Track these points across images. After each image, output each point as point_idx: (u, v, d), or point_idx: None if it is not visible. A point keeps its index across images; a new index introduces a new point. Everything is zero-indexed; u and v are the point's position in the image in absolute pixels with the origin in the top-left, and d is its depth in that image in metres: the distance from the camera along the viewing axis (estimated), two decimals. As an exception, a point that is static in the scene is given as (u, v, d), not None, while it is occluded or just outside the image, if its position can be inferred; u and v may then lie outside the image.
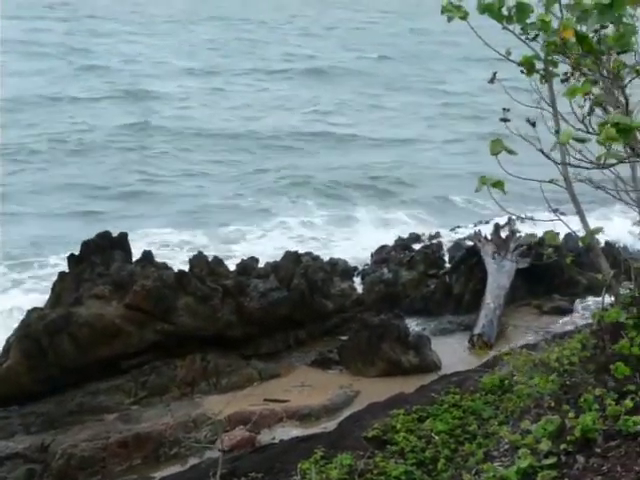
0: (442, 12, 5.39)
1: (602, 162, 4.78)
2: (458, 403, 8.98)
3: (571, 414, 5.28)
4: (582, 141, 4.87)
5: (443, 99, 49.78)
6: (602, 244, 19.97)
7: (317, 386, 15.85)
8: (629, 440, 4.76)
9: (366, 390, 15.25)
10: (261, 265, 19.24)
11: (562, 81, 5.55)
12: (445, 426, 8.34)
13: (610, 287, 6.59)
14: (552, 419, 5.38)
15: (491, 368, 10.74)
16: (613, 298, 6.65)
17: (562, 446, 5.03)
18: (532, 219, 22.80)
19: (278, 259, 19.17)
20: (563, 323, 18.63)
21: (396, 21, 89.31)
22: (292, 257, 19.04)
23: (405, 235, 24.62)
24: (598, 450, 4.87)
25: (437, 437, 8.14)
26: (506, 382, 8.67)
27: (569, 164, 5.48)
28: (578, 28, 4.88)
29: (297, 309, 17.97)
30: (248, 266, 19.14)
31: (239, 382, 15.93)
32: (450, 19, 5.52)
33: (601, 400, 5.24)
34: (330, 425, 12.43)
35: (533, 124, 5.52)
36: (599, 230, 7.05)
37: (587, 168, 5.30)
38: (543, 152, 5.32)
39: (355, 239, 25.57)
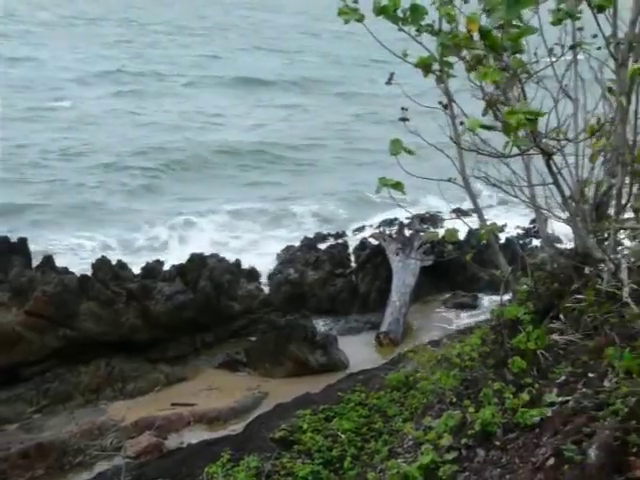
0: (338, 14, 5.45)
1: (508, 151, 4.92)
2: (364, 401, 9.07)
3: (472, 409, 5.39)
4: (489, 128, 4.98)
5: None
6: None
7: (225, 389, 15.78)
8: (526, 432, 4.89)
9: (274, 391, 15.25)
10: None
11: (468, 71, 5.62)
12: (351, 424, 8.41)
13: (508, 283, 6.76)
14: (453, 414, 5.48)
15: (396, 365, 10.88)
16: (511, 294, 6.83)
17: (463, 440, 5.14)
18: (435, 216, 23.39)
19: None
20: (467, 319, 19.02)
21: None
22: (198, 259, 18.92)
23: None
24: (497, 443, 4.99)
25: (343, 436, 8.20)
26: (411, 379, 8.80)
27: (477, 151, 5.58)
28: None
29: (203, 312, 17.87)
30: (153, 269, 18.95)
31: (145, 387, 15.72)
32: (347, 21, 5.58)
33: (500, 394, 5.36)
34: (238, 428, 12.38)
35: (445, 106, 5.61)
36: (497, 228, 7.22)
37: (495, 156, 5.42)
38: (452, 139, 5.44)
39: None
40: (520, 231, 23.91)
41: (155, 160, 34.37)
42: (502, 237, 21.73)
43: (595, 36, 5.45)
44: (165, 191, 31.26)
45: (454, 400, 5.96)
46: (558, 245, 7.35)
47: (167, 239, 25.00)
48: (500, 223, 22.75)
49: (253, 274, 21.26)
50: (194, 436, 13.42)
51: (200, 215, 27.45)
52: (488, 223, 6.67)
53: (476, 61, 5.03)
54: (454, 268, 20.49)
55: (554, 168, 5.43)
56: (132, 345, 16.78)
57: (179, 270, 18.59)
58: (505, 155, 5.09)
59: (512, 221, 24.07)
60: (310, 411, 9.22)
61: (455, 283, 20.86)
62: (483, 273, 20.09)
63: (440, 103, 5.58)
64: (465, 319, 19.09)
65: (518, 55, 5.23)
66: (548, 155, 5.20)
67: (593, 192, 6.21)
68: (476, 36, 4.90)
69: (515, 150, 5.08)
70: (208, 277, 18.28)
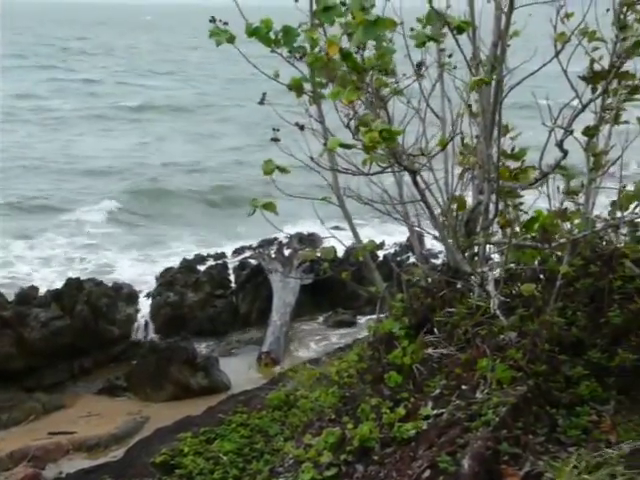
0: (210, 37, 5.45)
1: (368, 169, 5.01)
2: (246, 422, 9.01)
3: (350, 425, 5.43)
4: (349, 147, 5.07)
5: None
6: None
7: (105, 415, 15.40)
8: (403, 446, 4.96)
9: (156, 415, 14.98)
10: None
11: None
12: (233, 446, 8.34)
13: (384, 300, 6.87)
14: (333, 431, 5.51)
15: (277, 384, 10.87)
16: (387, 310, 6.93)
17: (342, 457, 5.17)
18: (314, 235, 23.53)
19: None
20: (347, 336, 19.18)
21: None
22: (74, 284, 18.47)
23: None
24: (376, 458, 5.04)
25: (225, 457, 8.13)
26: (291, 398, 8.81)
27: (337, 170, 5.66)
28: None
29: (81, 337, 17.44)
30: (28, 295, 18.40)
31: (21, 417, 15.15)
32: (219, 43, 5.59)
33: (378, 409, 5.42)
34: (119, 454, 12.09)
35: (302, 127, 5.67)
36: (374, 245, 7.34)
37: (354, 174, 5.51)
38: (312, 159, 5.49)
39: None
40: (398, 248, 24.31)
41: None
42: (381, 254, 22.17)
43: (450, 56, 5.64)
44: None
45: (333, 417, 5.99)
46: (433, 261, 7.51)
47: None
48: (380, 240, 23.03)
49: (132, 297, 20.89)
50: (73, 465, 13.02)
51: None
52: (369, 240, 6.77)
53: (342, 83, 5.11)
54: (334, 286, 20.65)
55: (421, 185, 5.56)
56: (7, 374, 16.19)
57: (55, 295, 18.11)
58: (365, 173, 5.19)
59: (392, 238, 24.45)
60: (191, 434, 9.10)
61: (335, 301, 21.02)
62: (362, 291, 20.33)
63: (296, 124, 5.63)
64: (345, 336, 19.26)
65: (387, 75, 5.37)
66: (413, 172, 5.33)
67: (464, 208, 6.39)
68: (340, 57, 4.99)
69: (379, 168, 5.19)
70: (85, 301, 17.87)
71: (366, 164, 5.05)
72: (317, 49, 5.57)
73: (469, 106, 5.68)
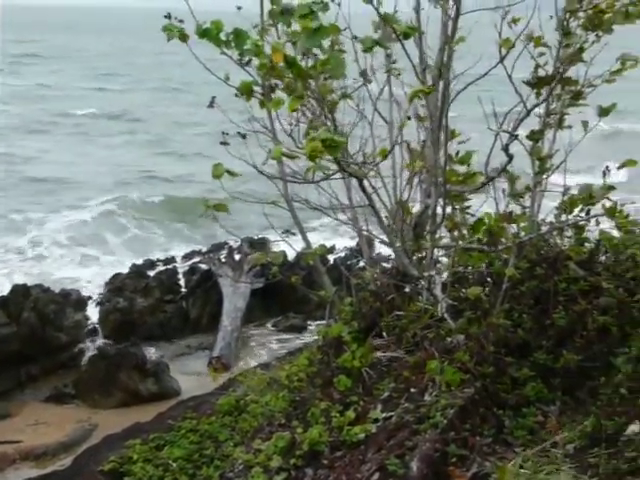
0: (162, 30, 5.44)
1: (312, 177, 5.02)
2: (195, 428, 8.95)
3: (300, 429, 5.43)
4: (293, 157, 5.08)
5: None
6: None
7: (53, 422, 15.23)
8: (353, 449, 4.98)
9: (105, 422, 14.86)
10: None
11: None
12: (182, 452, 8.29)
13: (333, 304, 6.89)
14: (282, 435, 5.51)
15: (228, 390, 10.82)
16: (337, 314, 6.95)
17: (292, 461, 5.17)
18: (265, 239, 23.50)
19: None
20: (297, 340, 19.20)
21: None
22: (21, 290, 18.23)
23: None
24: (325, 462, 5.05)
25: (174, 464, 8.07)
26: (241, 403, 8.77)
27: (281, 178, 5.67)
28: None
29: (28, 344, 17.22)
30: (-27, 303, 18.12)
31: (-35, 427, 14.94)
32: (170, 38, 5.57)
33: (327, 413, 5.43)
34: (67, 462, 11.96)
35: (244, 136, 5.67)
36: (324, 250, 7.35)
37: (299, 182, 5.52)
38: (256, 167, 5.48)
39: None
40: (348, 252, 24.36)
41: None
42: (331, 258, 22.22)
43: (395, 62, 5.68)
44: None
45: (283, 421, 5.99)
46: (384, 264, 7.54)
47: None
48: (332, 244, 23.03)
49: (80, 303, 20.68)
50: (20, 474, 12.90)
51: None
52: (320, 244, 6.78)
53: (289, 89, 5.12)
54: (285, 291, 20.64)
55: (369, 190, 5.59)
56: (-49, 383, 15.94)
57: (1, 302, 17.84)
58: (311, 181, 5.21)
59: (345, 242, 24.45)
60: (140, 441, 9.02)
61: (286, 305, 21.01)
62: (313, 295, 20.31)
63: (239, 133, 5.64)
64: (296, 341, 19.27)
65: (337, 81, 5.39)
66: (359, 178, 5.35)
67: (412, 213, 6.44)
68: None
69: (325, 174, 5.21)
70: (32, 308, 17.64)
71: (310, 172, 5.06)
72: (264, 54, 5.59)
73: (408, 118, 5.72)
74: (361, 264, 22.24)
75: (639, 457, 4.11)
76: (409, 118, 5.75)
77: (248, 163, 5.67)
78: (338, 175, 5.63)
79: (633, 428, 4.42)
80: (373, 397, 5.43)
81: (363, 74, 5.57)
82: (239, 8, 6.05)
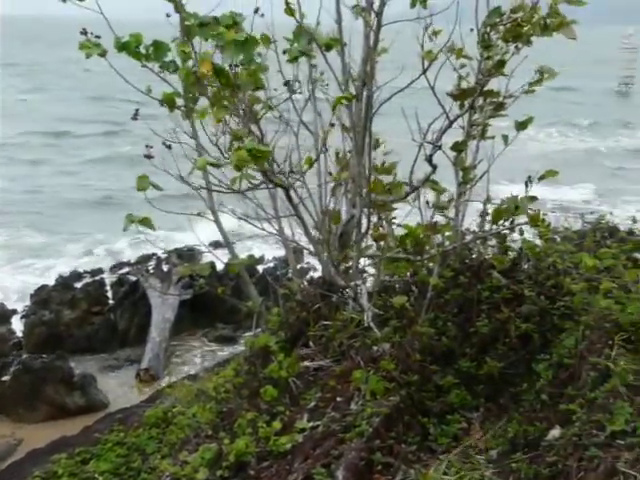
0: (80, 49, 5.36)
1: (238, 186, 5.02)
2: (122, 440, 8.82)
3: (227, 440, 5.40)
4: (218, 166, 5.07)
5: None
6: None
7: (-25, 439, 14.85)
8: (279, 459, 4.97)
9: (30, 437, 14.52)
10: None
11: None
12: (109, 465, 8.15)
13: (260, 314, 6.88)
14: (209, 447, 5.47)
15: (155, 401, 10.71)
16: (264, 324, 6.94)
17: (219, 472, 5.14)
18: (194, 250, 23.32)
19: None
20: (227, 351, 19.10)
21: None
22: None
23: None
24: (252, 472, 5.03)
25: (101, 478, 7.94)
26: (169, 414, 8.68)
27: (207, 189, 5.66)
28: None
29: (-52, 359, 16.79)
30: None
31: None
32: (88, 56, 5.50)
33: (254, 424, 5.42)
34: (-10, 479, 11.66)
35: (169, 147, 5.63)
36: (251, 260, 7.34)
37: (225, 192, 5.51)
38: (183, 178, 5.45)
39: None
40: (277, 262, 24.34)
41: None
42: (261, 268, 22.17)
43: (322, 73, 5.72)
44: None
45: (210, 433, 5.95)
46: (312, 274, 7.55)
47: None
48: (262, 253, 22.89)
49: (4, 316, 20.26)
50: (-61, 495, 12.50)
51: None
52: (248, 254, 6.77)
53: (216, 99, 5.12)
54: (214, 301, 20.52)
55: (295, 200, 5.60)
56: None
57: None
58: (237, 191, 5.21)
59: (275, 252, 24.39)
60: (66, 455, 8.85)
61: (215, 316, 20.89)
62: (241, 305, 20.24)
63: (163, 144, 5.61)
64: (225, 351, 19.17)
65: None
66: (285, 188, 5.37)
67: (338, 222, 6.47)
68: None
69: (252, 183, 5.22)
70: (-48, 322, 17.24)
71: (236, 182, 5.05)
72: (190, 63, 5.57)
73: (332, 125, 5.75)
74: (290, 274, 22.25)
75: (560, 461, 4.19)
76: (332, 125, 5.78)
77: (171, 174, 5.63)
78: (264, 185, 5.65)
79: (554, 433, 4.51)
80: (300, 407, 5.44)
81: (287, 84, 5.59)
82: (168, 16, 6.00)
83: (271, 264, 24.05)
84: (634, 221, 7.51)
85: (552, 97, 62.23)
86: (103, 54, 5.61)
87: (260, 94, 5.71)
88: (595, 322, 4.95)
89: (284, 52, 5.44)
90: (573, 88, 75.00)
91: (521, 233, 6.25)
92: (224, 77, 5.10)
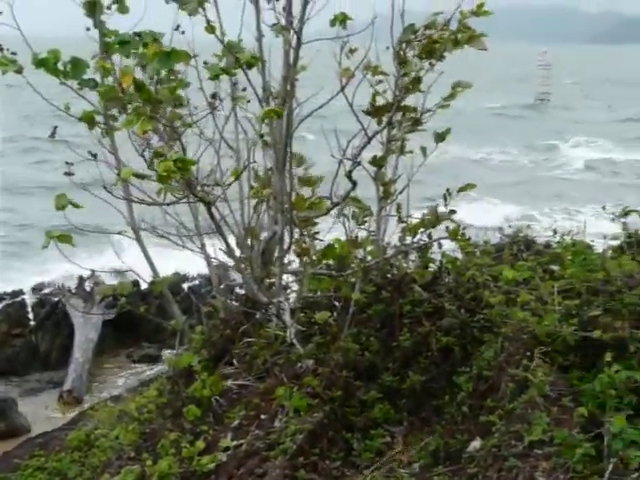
0: (-5, 65, 5.29)
1: (163, 199, 4.98)
2: (43, 465, 8.61)
3: (150, 461, 5.34)
4: (143, 177, 5.03)
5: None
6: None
7: None
8: (203, 479, 4.94)
9: (-54, 465, 14.08)
10: None
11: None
12: (29, 492, 7.97)
13: (184, 332, 6.82)
14: (132, 469, 5.40)
15: (78, 424, 10.50)
16: (187, 343, 6.88)
17: (141, 495, 5.08)
18: (116, 269, 22.96)
19: None
20: (151, 370, 18.85)
21: None
22: None
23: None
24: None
25: (21, 505, 7.76)
26: (91, 437, 8.53)
27: (131, 199, 5.61)
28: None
29: None
30: None
31: None
32: (4, 72, 5.43)
33: (177, 444, 5.36)
34: None
35: (94, 155, 5.59)
36: (174, 278, 7.26)
37: (148, 204, 5.47)
38: (107, 189, 5.39)
39: None
40: (202, 280, 24.14)
41: None
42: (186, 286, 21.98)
43: (245, 89, 5.72)
44: None
45: (133, 455, 5.87)
46: (238, 291, 7.53)
47: None
48: (189, 270, 22.61)
49: None
50: None
51: None
52: (176, 272, 6.72)
53: (137, 114, 5.07)
54: (138, 320, 20.24)
55: (217, 216, 5.58)
56: None
57: None
58: (160, 203, 5.18)
59: (202, 269, 24.09)
60: (-17, 483, 8.63)
61: (140, 335, 20.61)
62: (166, 324, 20.01)
63: (89, 152, 5.55)
64: (150, 371, 18.92)
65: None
66: (207, 203, 5.35)
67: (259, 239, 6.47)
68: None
69: (174, 199, 5.19)
70: None
71: (160, 194, 5.02)
72: (110, 79, 5.53)
73: (262, 136, 5.75)
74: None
75: (480, 472, 4.25)
76: (262, 136, 5.78)
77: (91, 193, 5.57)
78: (186, 201, 5.63)
79: (474, 444, 4.58)
80: (224, 426, 5.41)
81: (211, 100, 5.59)
82: (88, 29, 5.96)
83: (196, 281, 23.84)
84: (554, 232, 7.67)
85: (475, 114, 63.46)
86: (20, 71, 5.54)
87: (183, 111, 5.70)
88: (513, 334, 5.04)
89: (204, 63, 5.45)
90: (493, 105, 76.45)
91: (440, 247, 6.34)
92: (145, 92, 5.06)
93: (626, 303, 5.14)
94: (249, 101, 6.12)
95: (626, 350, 4.73)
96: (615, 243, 7.63)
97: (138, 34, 5.38)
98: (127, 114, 5.30)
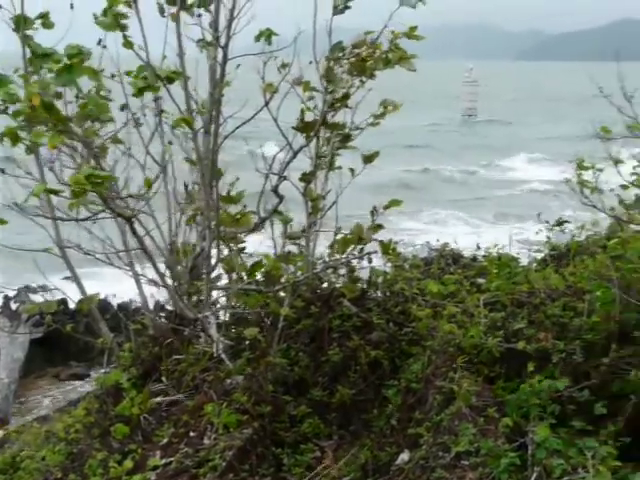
0: None
1: (76, 215, 4.92)
2: (-35, 492, 8.39)
3: (77, 483, 5.26)
4: (56, 192, 4.97)
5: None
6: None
7: None
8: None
9: None
10: None
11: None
12: (-51, 520, 7.73)
13: (112, 350, 6.74)
14: (58, 491, 5.31)
15: (3, 446, 10.26)
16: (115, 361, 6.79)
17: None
18: (44, 287, 22.57)
19: None
20: (80, 390, 18.53)
21: None
22: None
23: None
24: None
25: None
26: (17, 459, 8.34)
27: (44, 215, 5.54)
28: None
29: None
30: None
31: None
32: None
33: (105, 463, 5.29)
34: None
35: (2, 170, 5.49)
36: (98, 297, 7.18)
37: (63, 220, 5.40)
38: (17, 204, 5.30)
39: None
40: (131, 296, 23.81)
41: None
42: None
43: (157, 98, 5.70)
44: None
45: (60, 476, 5.78)
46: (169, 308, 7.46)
47: None
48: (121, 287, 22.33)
49: None
50: None
51: None
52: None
53: (50, 129, 5.01)
54: (67, 339, 19.87)
55: (140, 232, 5.53)
56: None
57: None
58: (76, 219, 5.12)
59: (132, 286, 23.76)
60: None
61: (69, 354, 20.25)
62: (94, 342, 19.70)
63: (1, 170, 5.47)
64: (78, 389, 18.59)
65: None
66: (127, 219, 5.30)
67: (188, 255, 6.43)
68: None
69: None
70: None
71: (73, 209, 4.97)
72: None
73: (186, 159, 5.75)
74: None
75: (409, 484, 4.28)
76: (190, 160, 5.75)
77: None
78: (104, 216, 5.57)
79: (403, 457, 4.61)
80: (153, 444, 5.34)
81: (123, 107, 5.55)
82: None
83: (126, 299, 23.52)
84: (478, 246, 7.80)
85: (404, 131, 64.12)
86: None
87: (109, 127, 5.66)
88: (440, 346, 5.10)
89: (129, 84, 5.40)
90: (423, 123, 77.21)
91: (369, 261, 6.39)
92: (54, 113, 4.99)
93: (549, 315, 5.26)
94: (172, 115, 6.08)
95: (549, 361, 4.83)
96: (540, 255, 7.80)
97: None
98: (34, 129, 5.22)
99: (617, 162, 5.87)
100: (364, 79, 5.98)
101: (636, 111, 5.95)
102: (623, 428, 4.46)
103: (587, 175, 5.95)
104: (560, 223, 7.26)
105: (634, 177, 5.85)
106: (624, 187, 5.92)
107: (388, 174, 45.30)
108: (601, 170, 5.80)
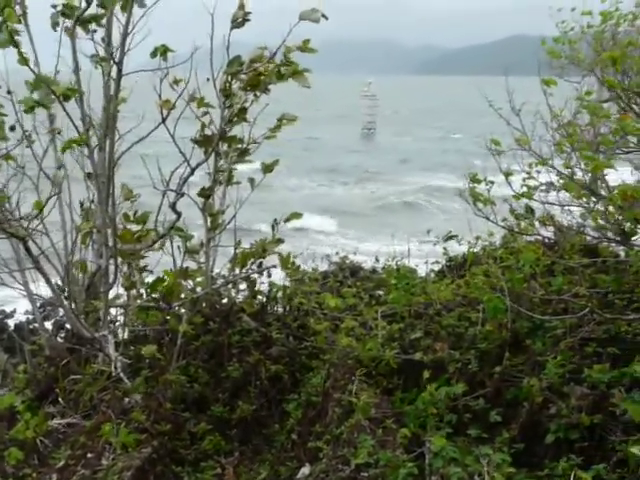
0: None
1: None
2: None
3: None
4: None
5: None
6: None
7: None
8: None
9: None
10: None
11: None
12: None
13: (6, 372, 6.56)
14: (-52, 521, 5.13)
15: None
16: (10, 383, 6.61)
17: None
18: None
19: None
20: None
21: None
22: None
23: None
24: None
25: None
26: None
27: None
28: None
29: None
30: None
31: None
32: None
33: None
34: None
35: None
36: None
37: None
38: None
39: None
40: (30, 317, 23.17)
41: None
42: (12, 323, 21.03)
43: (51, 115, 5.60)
44: None
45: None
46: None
47: None
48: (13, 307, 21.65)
49: None
50: None
51: None
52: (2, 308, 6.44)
53: None
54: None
55: (35, 251, 5.40)
56: None
57: None
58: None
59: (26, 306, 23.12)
60: None
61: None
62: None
63: None
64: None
65: None
66: (21, 239, 5.18)
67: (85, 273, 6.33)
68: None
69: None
70: None
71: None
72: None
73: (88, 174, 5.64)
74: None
75: (308, 498, 4.29)
76: (89, 175, 5.64)
77: None
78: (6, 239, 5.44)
79: (304, 471, 4.63)
80: (49, 467, 5.22)
81: (12, 129, 5.43)
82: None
83: (21, 319, 22.85)
84: (376, 259, 7.90)
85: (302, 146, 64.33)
86: None
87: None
88: (339, 360, 5.15)
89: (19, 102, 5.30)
90: (318, 137, 77.22)
91: (269, 275, 6.41)
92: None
93: (444, 325, 5.36)
94: (59, 132, 5.96)
95: (445, 371, 4.92)
96: (437, 267, 7.94)
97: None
98: None
99: (507, 174, 6.01)
100: (258, 94, 5.98)
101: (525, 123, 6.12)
102: (517, 435, 4.57)
103: (479, 188, 6.08)
104: (449, 238, 7.38)
105: (524, 188, 6.01)
106: (515, 197, 6.07)
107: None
108: (492, 182, 5.94)
